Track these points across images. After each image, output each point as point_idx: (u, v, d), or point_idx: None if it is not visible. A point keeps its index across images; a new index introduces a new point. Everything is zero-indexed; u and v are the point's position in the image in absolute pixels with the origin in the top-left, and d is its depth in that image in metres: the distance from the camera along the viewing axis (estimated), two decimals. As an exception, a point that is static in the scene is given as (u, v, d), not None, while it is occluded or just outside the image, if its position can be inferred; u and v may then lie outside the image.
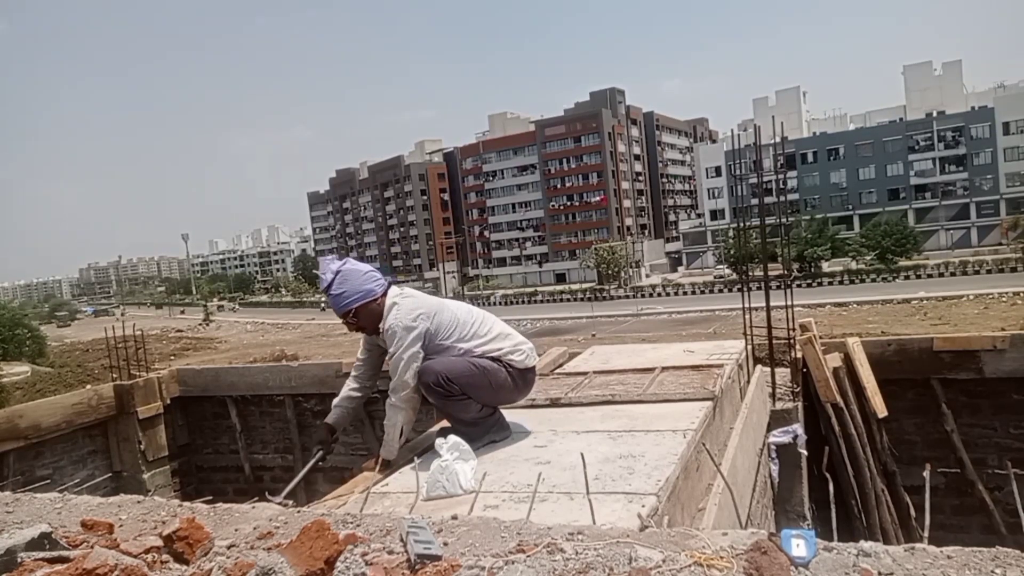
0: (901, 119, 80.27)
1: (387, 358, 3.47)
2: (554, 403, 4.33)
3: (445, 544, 1.73)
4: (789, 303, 6.51)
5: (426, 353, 3.41)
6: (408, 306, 3.41)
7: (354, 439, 9.13)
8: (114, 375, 9.39)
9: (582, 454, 2.64)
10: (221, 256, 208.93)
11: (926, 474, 6.69)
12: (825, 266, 59.15)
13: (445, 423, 3.91)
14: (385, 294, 3.48)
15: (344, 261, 3.57)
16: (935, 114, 76.47)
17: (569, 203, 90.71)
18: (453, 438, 3.05)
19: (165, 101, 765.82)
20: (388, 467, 3.40)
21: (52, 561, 1.64)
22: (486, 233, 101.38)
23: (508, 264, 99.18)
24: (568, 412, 4.04)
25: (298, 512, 2.20)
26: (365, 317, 3.48)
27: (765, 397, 6.08)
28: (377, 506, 2.68)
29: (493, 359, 3.49)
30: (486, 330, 3.56)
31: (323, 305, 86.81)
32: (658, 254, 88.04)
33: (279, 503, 3.39)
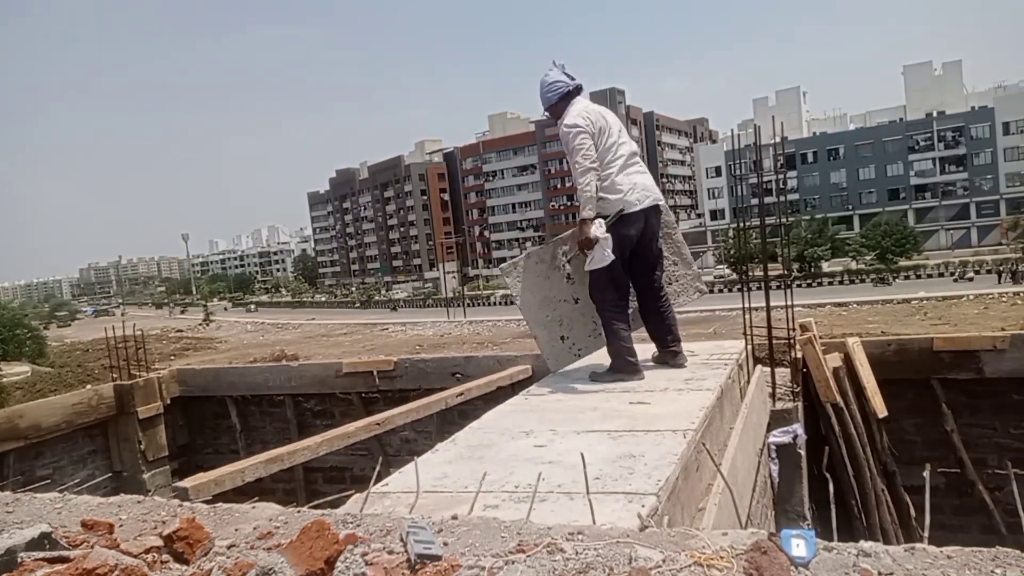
0: (901, 119, 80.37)
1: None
2: (554, 403, 4.33)
3: (445, 544, 1.73)
4: (789, 303, 6.51)
5: None
6: (570, 117, 4.57)
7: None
8: (114, 375, 9.38)
9: (582, 454, 2.64)
10: (221, 256, 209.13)
11: (926, 474, 6.69)
12: (825, 266, 59.16)
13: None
14: (565, 98, 4.65)
15: (549, 70, 4.70)
16: (935, 114, 76.55)
17: (569, 203, 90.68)
18: None
19: (165, 101, 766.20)
20: (588, 225, 4.40)
21: (52, 561, 1.64)
22: (486, 233, 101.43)
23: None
24: (568, 412, 4.04)
25: (298, 512, 2.20)
26: (553, 114, 4.73)
27: (765, 397, 6.07)
28: (377, 506, 2.68)
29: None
30: (619, 162, 4.62)
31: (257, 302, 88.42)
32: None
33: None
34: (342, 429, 4.79)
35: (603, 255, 4.43)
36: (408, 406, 5.53)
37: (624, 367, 4.62)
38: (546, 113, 4.83)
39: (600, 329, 4.94)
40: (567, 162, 5.20)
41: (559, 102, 4.65)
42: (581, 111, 4.57)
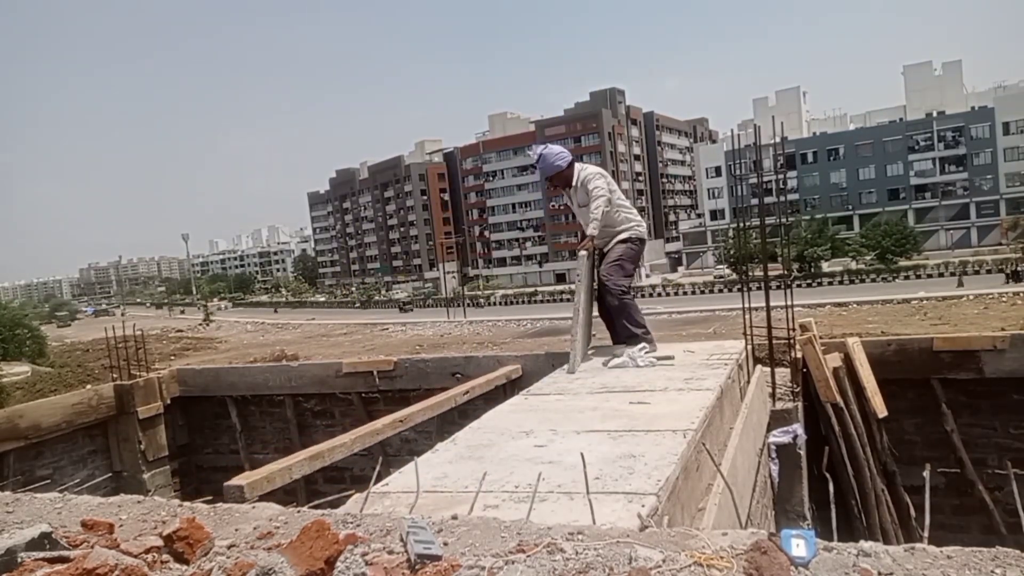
0: (901, 119, 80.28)
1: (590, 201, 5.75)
2: (554, 402, 4.33)
3: (445, 544, 1.73)
4: (789, 303, 6.51)
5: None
6: (591, 170, 5.89)
7: (354, 439, 9.12)
8: (114, 375, 9.38)
9: (582, 454, 2.64)
10: (221, 256, 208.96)
11: (926, 474, 6.69)
12: (825, 266, 59.10)
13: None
14: (571, 166, 5.89)
15: (544, 146, 6.00)
16: (935, 114, 76.46)
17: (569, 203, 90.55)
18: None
19: (165, 100, 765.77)
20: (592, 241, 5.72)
21: (52, 561, 1.64)
22: (486, 233, 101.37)
23: (508, 264, 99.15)
24: (568, 412, 4.04)
25: (298, 512, 2.20)
26: (557, 179, 5.96)
27: (765, 397, 6.07)
28: (377, 506, 2.68)
29: (627, 239, 5.92)
30: (624, 204, 6.07)
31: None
32: (658, 254, 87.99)
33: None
34: (370, 426, 4.96)
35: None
36: (428, 402, 5.67)
37: (650, 337, 5.72)
38: (546, 180, 6.18)
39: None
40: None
41: (568, 168, 5.88)
42: (596, 171, 5.93)
